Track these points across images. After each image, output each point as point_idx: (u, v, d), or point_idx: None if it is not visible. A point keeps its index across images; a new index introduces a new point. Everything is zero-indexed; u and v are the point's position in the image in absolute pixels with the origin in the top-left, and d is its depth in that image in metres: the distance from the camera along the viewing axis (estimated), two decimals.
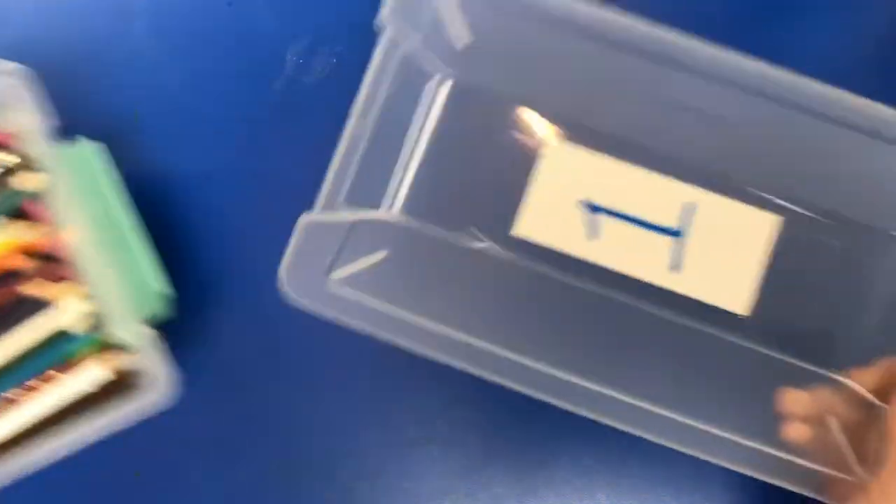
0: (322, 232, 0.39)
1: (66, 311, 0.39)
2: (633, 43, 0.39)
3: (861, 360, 0.38)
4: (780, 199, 0.42)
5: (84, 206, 0.40)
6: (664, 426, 0.37)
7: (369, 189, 0.41)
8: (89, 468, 0.42)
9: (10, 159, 0.41)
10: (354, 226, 0.40)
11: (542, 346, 0.39)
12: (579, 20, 0.39)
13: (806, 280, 0.42)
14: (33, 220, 0.41)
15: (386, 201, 0.42)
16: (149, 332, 0.38)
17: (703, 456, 0.36)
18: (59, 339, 0.40)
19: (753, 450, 0.36)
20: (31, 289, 0.40)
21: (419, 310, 0.39)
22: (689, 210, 0.42)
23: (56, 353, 0.39)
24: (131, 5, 0.46)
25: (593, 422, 0.44)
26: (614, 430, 0.44)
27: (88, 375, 0.39)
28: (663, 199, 0.43)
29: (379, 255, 0.41)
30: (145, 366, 0.38)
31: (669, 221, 0.43)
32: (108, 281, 0.39)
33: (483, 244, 0.42)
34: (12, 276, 0.40)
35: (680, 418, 0.37)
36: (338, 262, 0.39)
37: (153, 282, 0.40)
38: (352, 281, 0.39)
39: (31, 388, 0.39)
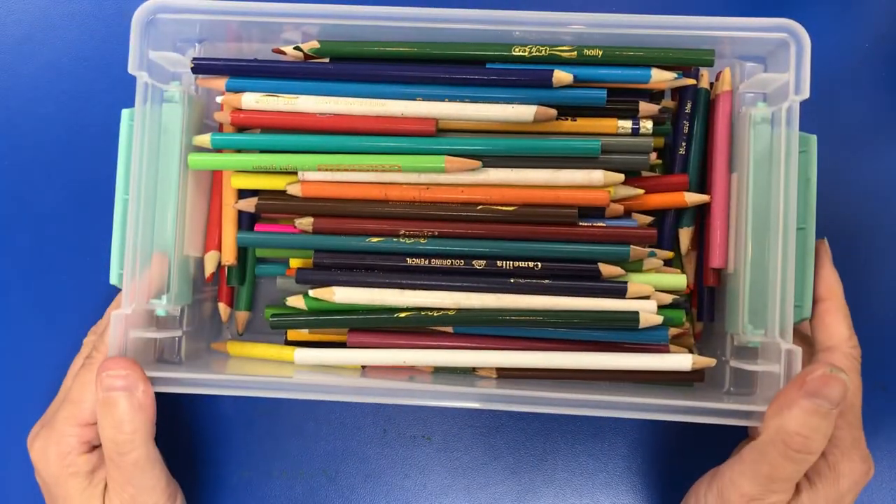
0: None
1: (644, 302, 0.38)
2: None
3: None
4: None
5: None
6: None
7: None
8: None
9: (646, 126, 0.38)
10: None
11: None
12: None
13: None
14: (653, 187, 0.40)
15: None
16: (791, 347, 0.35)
17: None
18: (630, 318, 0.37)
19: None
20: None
21: None
22: None
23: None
24: None
25: (593, 421, 0.44)
26: (614, 429, 0.44)
27: (673, 360, 0.37)
28: None
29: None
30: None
31: None
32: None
33: None
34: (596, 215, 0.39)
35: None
36: None
37: (804, 293, 0.37)
38: None
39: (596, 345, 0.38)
